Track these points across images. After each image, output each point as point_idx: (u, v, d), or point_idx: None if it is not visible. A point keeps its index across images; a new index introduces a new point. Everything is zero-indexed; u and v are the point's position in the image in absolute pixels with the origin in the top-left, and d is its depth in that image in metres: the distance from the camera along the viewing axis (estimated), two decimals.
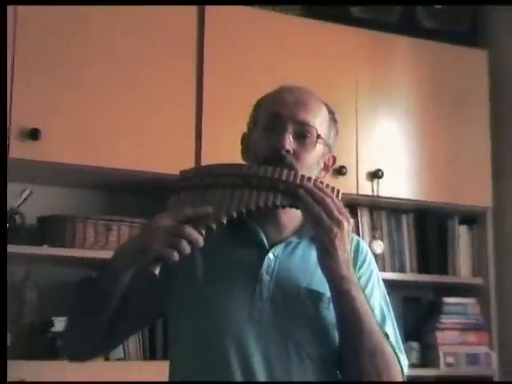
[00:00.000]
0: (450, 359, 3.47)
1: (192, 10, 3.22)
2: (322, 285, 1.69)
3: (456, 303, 3.60)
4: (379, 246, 3.48)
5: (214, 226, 1.60)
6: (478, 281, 3.64)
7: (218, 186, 1.65)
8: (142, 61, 3.08)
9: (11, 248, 2.85)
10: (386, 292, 1.85)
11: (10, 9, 2.88)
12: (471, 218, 3.71)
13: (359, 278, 1.72)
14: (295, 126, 1.77)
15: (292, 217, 1.79)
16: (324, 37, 3.43)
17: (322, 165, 1.84)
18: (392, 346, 1.70)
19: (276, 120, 1.78)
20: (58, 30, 2.98)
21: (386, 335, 1.71)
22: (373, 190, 3.40)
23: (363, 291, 1.69)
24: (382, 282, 1.85)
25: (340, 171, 3.28)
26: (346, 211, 1.65)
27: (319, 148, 1.80)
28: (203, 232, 1.58)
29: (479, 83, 3.68)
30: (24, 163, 2.90)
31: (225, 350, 1.67)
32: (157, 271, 1.54)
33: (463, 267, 3.65)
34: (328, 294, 1.69)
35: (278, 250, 1.77)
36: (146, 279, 1.64)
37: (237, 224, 1.71)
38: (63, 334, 1.90)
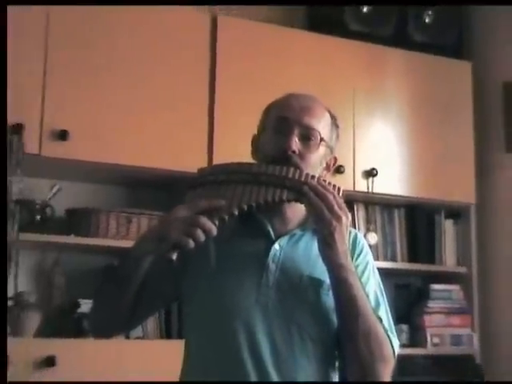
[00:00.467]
0: (436, 340, 3.48)
1: (206, 20, 3.21)
2: (322, 273, 1.69)
3: (442, 289, 3.60)
4: (373, 238, 3.48)
5: (226, 218, 1.61)
6: (462, 269, 3.65)
7: (231, 182, 1.65)
8: (159, 70, 3.08)
9: (42, 237, 2.91)
10: (380, 280, 1.84)
11: (42, 20, 2.89)
12: (456, 213, 3.71)
13: (356, 267, 1.72)
14: (301, 129, 1.76)
15: (296, 211, 1.79)
16: (325, 48, 3.42)
17: (325, 164, 1.84)
18: (385, 328, 1.70)
19: (284, 123, 1.77)
20: (84, 41, 2.98)
21: (380, 319, 1.70)
22: (368, 187, 3.39)
23: (360, 279, 1.69)
24: (376, 271, 1.84)
25: (338, 170, 3.26)
26: (345, 207, 1.65)
27: (322, 149, 1.80)
28: (216, 222, 1.59)
29: (464, 91, 3.68)
30: (54, 161, 2.91)
31: (234, 331, 1.67)
32: (174, 257, 1.55)
33: (449, 257, 3.65)
34: (328, 281, 1.69)
35: (284, 241, 1.76)
36: (164, 265, 1.64)
37: (247, 217, 1.72)
38: (89, 315, 1.89)
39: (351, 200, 3.48)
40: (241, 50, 3.24)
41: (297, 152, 1.74)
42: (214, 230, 1.58)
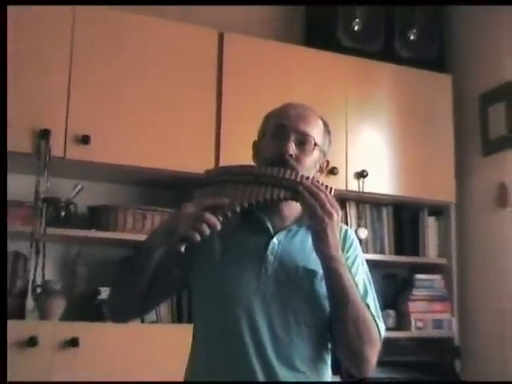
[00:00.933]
0: (420, 324, 3.48)
1: (214, 36, 3.22)
2: (316, 265, 1.71)
3: (425, 279, 3.59)
4: (363, 233, 3.49)
5: (230, 214, 1.63)
6: (443, 261, 3.65)
7: (234, 182, 1.67)
8: (172, 81, 3.08)
9: (66, 232, 2.92)
10: (368, 270, 1.86)
11: (67, 28, 2.90)
12: (438, 211, 3.71)
13: (346, 259, 1.74)
14: (297, 135, 1.78)
15: (292, 209, 1.80)
16: (320, 62, 3.42)
17: (318, 167, 1.86)
18: (372, 314, 1.72)
19: (281, 130, 1.79)
20: (104, 56, 2.99)
21: (368, 305, 1.72)
22: (359, 187, 3.39)
23: (349, 270, 1.70)
24: (365, 263, 1.86)
25: (332, 171, 3.27)
26: (336, 205, 1.66)
27: (316, 153, 1.82)
28: (220, 218, 1.61)
29: (445, 101, 3.68)
30: (77, 164, 2.91)
31: (237, 317, 1.69)
32: (182, 249, 1.57)
33: (431, 250, 3.65)
34: (321, 272, 1.70)
35: (281, 235, 1.78)
36: (173, 256, 1.67)
37: (248, 214, 1.74)
38: (107, 301, 1.90)
39: (344, 199, 3.49)
40: (245, 62, 3.24)
41: (293, 155, 1.76)
42: (218, 225, 1.59)
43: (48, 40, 2.89)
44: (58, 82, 2.88)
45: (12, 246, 2.91)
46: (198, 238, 1.57)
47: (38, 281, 2.79)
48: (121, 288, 1.81)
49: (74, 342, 2.70)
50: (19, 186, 2.88)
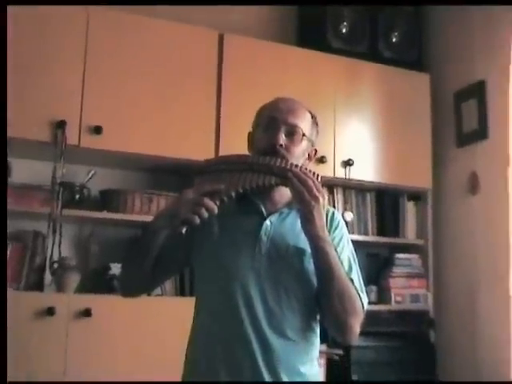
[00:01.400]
0: (399, 298, 3.49)
1: (214, 36, 3.21)
2: (305, 244, 1.72)
3: (404, 258, 3.60)
4: (349, 216, 3.49)
5: (226, 199, 1.65)
6: (420, 242, 3.65)
7: (231, 170, 1.69)
8: (176, 78, 3.08)
9: (80, 213, 2.93)
10: (353, 249, 1.87)
11: (82, 29, 2.90)
12: (416, 196, 3.71)
13: (333, 239, 1.75)
14: (286, 127, 1.79)
15: (283, 194, 1.81)
16: (311, 61, 3.42)
17: (307, 155, 1.86)
18: (356, 288, 1.73)
19: (272, 122, 1.80)
20: (115, 52, 2.99)
21: (352, 280, 1.73)
22: (345, 175, 3.39)
23: (335, 248, 1.71)
24: (350, 242, 1.87)
25: (321, 160, 3.29)
26: (322, 190, 1.67)
27: (304, 143, 1.83)
28: (217, 202, 1.63)
29: (423, 97, 3.67)
30: (90, 151, 2.91)
31: (233, 291, 1.70)
32: (183, 231, 1.60)
33: (410, 232, 3.66)
34: (310, 250, 1.71)
35: (274, 218, 1.79)
36: (176, 237, 1.68)
37: (243, 199, 1.76)
38: (119, 279, 1.93)
39: (332, 185, 3.50)
40: (243, 61, 3.23)
41: (283, 145, 1.77)
42: (216, 209, 1.62)
43: (64, 41, 2.88)
44: (73, 78, 2.87)
45: (32, 225, 2.93)
46: (197, 220, 1.59)
47: (55, 257, 2.80)
48: (130, 267, 1.83)
49: (87, 312, 2.71)
50: (38, 171, 2.91)
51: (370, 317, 3.27)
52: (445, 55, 3.76)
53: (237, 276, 1.71)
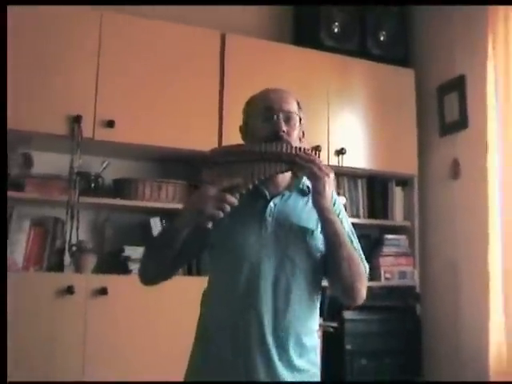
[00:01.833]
0: (388, 275, 3.49)
1: (217, 36, 3.21)
2: (306, 222, 1.76)
3: (392, 238, 3.60)
4: (342, 200, 3.46)
5: (244, 191, 1.65)
6: (407, 224, 3.65)
7: (242, 161, 1.67)
8: (182, 75, 3.07)
9: (96, 200, 2.93)
10: (351, 225, 1.90)
11: (95, 31, 2.89)
12: (403, 182, 3.70)
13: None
14: (284, 114, 1.80)
15: (284, 177, 1.82)
16: (306, 58, 3.41)
17: (301, 135, 1.87)
18: (359, 255, 1.77)
19: (270, 112, 1.80)
20: (127, 51, 2.98)
21: (354, 248, 1.77)
22: (338, 162, 3.38)
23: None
24: (347, 217, 1.91)
25: (316, 149, 3.26)
26: (328, 167, 1.71)
27: (299, 126, 1.84)
28: (237, 196, 1.63)
29: (409, 91, 3.66)
30: (104, 143, 2.91)
31: (243, 265, 1.72)
32: (210, 226, 1.61)
33: (398, 214, 3.66)
34: (311, 227, 1.76)
35: (277, 200, 1.80)
36: (195, 230, 1.69)
37: None
38: (141, 268, 1.84)
39: None
40: (243, 59, 3.22)
41: (285, 131, 1.78)
42: (236, 202, 1.62)
43: (79, 43, 2.88)
44: (87, 77, 2.87)
45: (52, 212, 2.94)
46: (221, 215, 1.61)
47: (74, 241, 2.81)
48: (154, 258, 1.80)
49: (103, 291, 2.72)
50: (57, 162, 2.91)
51: None
52: (428, 52, 3.75)
53: (247, 254, 1.73)
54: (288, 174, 1.80)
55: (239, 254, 1.73)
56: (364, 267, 1.76)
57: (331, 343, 3.18)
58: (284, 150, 1.68)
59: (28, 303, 2.55)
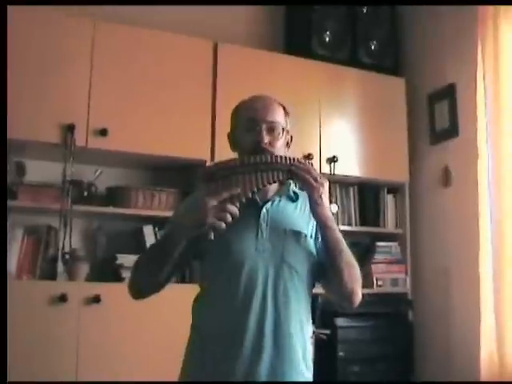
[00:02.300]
0: (380, 282, 3.50)
1: (209, 45, 3.22)
2: (299, 226, 1.78)
3: (384, 246, 3.62)
4: (334, 208, 3.48)
5: (244, 200, 1.64)
6: (399, 231, 3.66)
7: (238, 173, 1.66)
8: (175, 84, 3.08)
9: (89, 208, 2.92)
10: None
11: (88, 40, 2.90)
12: (395, 189, 3.72)
13: None
14: (267, 124, 1.80)
15: (274, 183, 1.81)
16: (298, 67, 3.43)
17: (287, 143, 1.87)
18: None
19: (252, 123, 1.80)
20: (119, 61, 2.99)
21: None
22: (330, 170, 3.40)
23: None
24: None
25: (308, 157, 3.30)
26: (322, 176, 1.72)
27: (284, 135, 1.84)
28: (238, 205, 1.62)
29: (400, 99, 3.69)
30: (97, 152, 2.91)
31: (241, 272, 1.71)
32: (212, 237, 1.59)
33: (389, 222, 3.67)
34: (304, 232, 1.78)
35: (268, 206, 1.81)
36: (188, 241, 1.67)
37: None
38: (133, 282, 1.79)
39: None
40: (236, 67, 3.23)
41: (268, 142, 1.78)
42: (237, 212, 1.61)
43: (72, 52, 2.89)
44: (80, 86, 2.88)
45: (45, 220, 2.94)
46: (223, 225, 1.59)
47: (67, 249, 2.80)
48: (147, 273, 1.76)
49: (96, 299, 2.72)
50: (50, 171, 2.91)
51: None
52: (419, 61, 3.78)
53: (245, 258, 1.73)
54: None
55: (236, 261, 1.73)
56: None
57: (324, 350, 3.18)
58: (279, 160, 1.68)
59: (21, 311, 2.55)
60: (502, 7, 3.02)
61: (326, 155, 3.41)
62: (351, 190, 3.65)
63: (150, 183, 3.21)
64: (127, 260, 2.87)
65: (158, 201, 3.03)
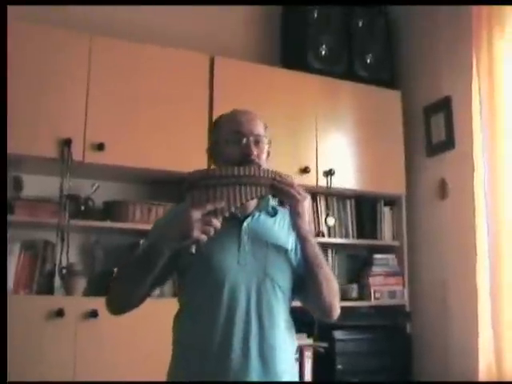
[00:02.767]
0: (378, 295, 3.50)
1: (206, 59, 3.24)
2: (280, 241, 1.79)
3: (382, 258, 3.62)
4: (331, 221, 3.50)
5: (227, 214, 1.64)
6: (396, 243, 3.67)
7: (222, 185, 1.64)
8: (171, 99, 3.10)
9: (86, 223, 2.92)
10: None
11: (85, 55, 2.91)
12: (392, 202, 3.73)
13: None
14: (253, 137, 1.80)
15: None
16: (294, 81, 3.44)
17: (267, 156, 1.87)
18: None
19: (239, 135, 1.80)
20: (115, 76, 3.00)
21: None
22: (327, 183, 3.41)
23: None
24: None
25: (305, 170, 3.32)
26: (304, 191, 1.73)
27: (267, 147, 1.85)
28: (220, 219, 1.61)
29: (396, 112, 3.71)
30: (94, 166, 2.92)
31: (222, 285, 1.70)
32: (194, 250, 1.58)
33: (386, 234, 3.68)
34: (285, 246, 1.79)
35: (249, 220, 1.81)
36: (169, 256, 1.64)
37: None
38: (111, 298, 1.79)
39: (315, 193, 3.50)
40: (232, 81, 3.24)
41: (256, 155, 1.79)
42: (219, 226, 1.60)
43: (69, 67, 2.90)
44: (77, 100, 2.89)
45: (42, 235, 2.93)
46: (206, 239, 1.58)
47: (64, 263, 2.80)
48: (128, 287, 1.74)
49: (94, 314, 2.71)
50: (47, 185, 2.91)
51: (352, 312, 3.33)
52: (414, 74, 3.80)
53: (227, 275, 1.71)
54: None
55: (218, 276, 1.71)
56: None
57: (322, 363, 3.18)
58: (262, 174, 1.68)
59: (18, 327, 2.54)
60: (496, 20, 3.04)
61: (322, 168, 3.42)
62: (348, 202, 3.66)
63: (147, 197, 3.21)
64: None
65: (155, 215, 3.03)
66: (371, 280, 3.53)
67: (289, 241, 1.83)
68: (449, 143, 3.45)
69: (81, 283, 2.87)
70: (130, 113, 3.00)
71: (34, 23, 2.89)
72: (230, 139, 1.82)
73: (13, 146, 2.60)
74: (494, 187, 2.99)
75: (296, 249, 1.82)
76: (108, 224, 2.97)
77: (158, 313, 2.81)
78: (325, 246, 3.49)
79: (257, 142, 1.81)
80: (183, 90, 3.13)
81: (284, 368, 1.73)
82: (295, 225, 1.73)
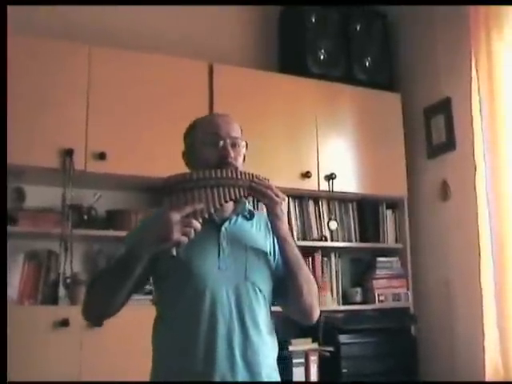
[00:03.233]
0: (382, 297, 3.51)
1: (205, 66, 3.25)
2: (259, 244, 1.80)
3: (385, 261, 3.62)
4: (334, 225, 3.50)
5: (207, 215, 1.63)
6: (399, 246, 3.67)
7: (200, 187, 1.63)
8: (171, 108, 3.10)
9: (89, 232, 2.92)
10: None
11: (85, 66, 2.93)
12: (394, 204, 3.73)
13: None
14: (230, 140, 1.79)
15: (229, 202, 1.77)
16: (293, 85, 3.45)
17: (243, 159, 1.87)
18: None
19: (217, 138, 1.79)
20: (115, 86, 3.01)
21: None
22: (329, 187, 3.41)
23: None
24: None
25: (306, 175, 3.33)
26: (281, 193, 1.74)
27: (243, 150, 1.84)
28: (200, 221, 1.60)
29: (396, 115, 3.71)
30: (96, 176, 2.93)
31: (203, 292, 1.68)
32: (174, 253, 1.55)
33: (389, 237, 3.67)
34: (263, 249, 1.79)
35: (227, 224, 1.80)
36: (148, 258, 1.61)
37: None
38: (88, 305, 1.73)
39: (317, 197, 3.52)
40: (231, 87, 3.25)
41: (233, 157, 1.78)
42: (200, 227, 1.59)
43: (69, 78, 2.92)
44: (78, 111, 2.91)
45: (45, 245, 2.94)
46: (186, 240, 1.56)
47: (68, 273, 2.81)
48: (106, 294, 1.68)
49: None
50: (49, 196, 2.92)
51: (357, 316, 3.34)
52: (414, 76, 3.81)
53: (208, 277, 1.69)
54: None
55: (198, 282, 1.69)
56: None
57: (328, 367, 3.18)
58: (240, 176, 1.69)
59: (23, 337, 2.54)
60: (494, 21, 3.05)
61: (324, 173, 3.42)
62: (350, 206, 3.66)
63: (149, 205, 3.20)
64: None
65: None
66: (375, 283, 3.53)
67: (266, 244, 1.83)
68: (449, 144, 3.46)
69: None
70: (130, 121, 3.01)
71: (33, 35, 2.91)
72: (206, 141, 1.80)
73: (15, 157, 2.62)
74: (496, 187, 3.00)
75: (274, 251, 1.83)
76: (111, 233, 2.97)
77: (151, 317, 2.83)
78: (328, 250, 3.50)
79: (234, 145, 1.80)
80: (183, 98, 3.14)
81: (268, 372, 1.72)
82: (274, 226, 1.74)
